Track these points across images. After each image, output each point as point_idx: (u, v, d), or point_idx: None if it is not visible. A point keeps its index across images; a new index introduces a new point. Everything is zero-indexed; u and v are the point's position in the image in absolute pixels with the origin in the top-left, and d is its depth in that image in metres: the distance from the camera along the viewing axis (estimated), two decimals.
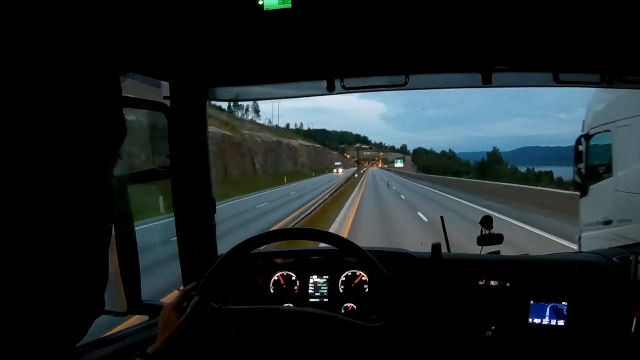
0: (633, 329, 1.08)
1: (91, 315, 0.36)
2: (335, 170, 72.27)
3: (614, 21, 0.91)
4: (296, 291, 1.40)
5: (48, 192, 0.30)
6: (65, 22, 0.32)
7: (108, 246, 0.37)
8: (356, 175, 50.86)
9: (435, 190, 25.85)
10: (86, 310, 0.35)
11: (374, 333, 0.96)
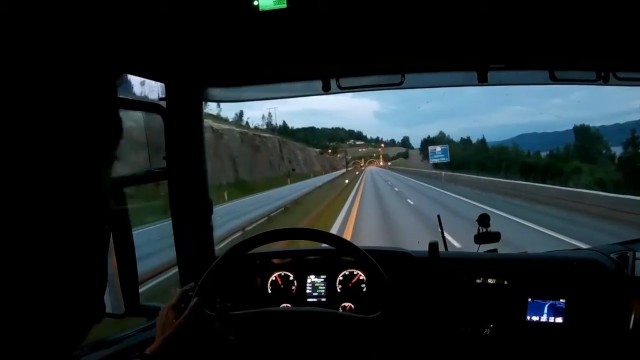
0: (631, 325, 1.08)
1: (91, 319, 0.36)
2: None
3: (609, 19, 0.91)
4: (294, 291, 1.40)
5: (44, 194, 0.30)
6: (61, 24, 0.32)
7: (107, 249, 0.37)
8: None
9: None
10: (86, 315, 0.35)
11: (372, 324, 0.96)
